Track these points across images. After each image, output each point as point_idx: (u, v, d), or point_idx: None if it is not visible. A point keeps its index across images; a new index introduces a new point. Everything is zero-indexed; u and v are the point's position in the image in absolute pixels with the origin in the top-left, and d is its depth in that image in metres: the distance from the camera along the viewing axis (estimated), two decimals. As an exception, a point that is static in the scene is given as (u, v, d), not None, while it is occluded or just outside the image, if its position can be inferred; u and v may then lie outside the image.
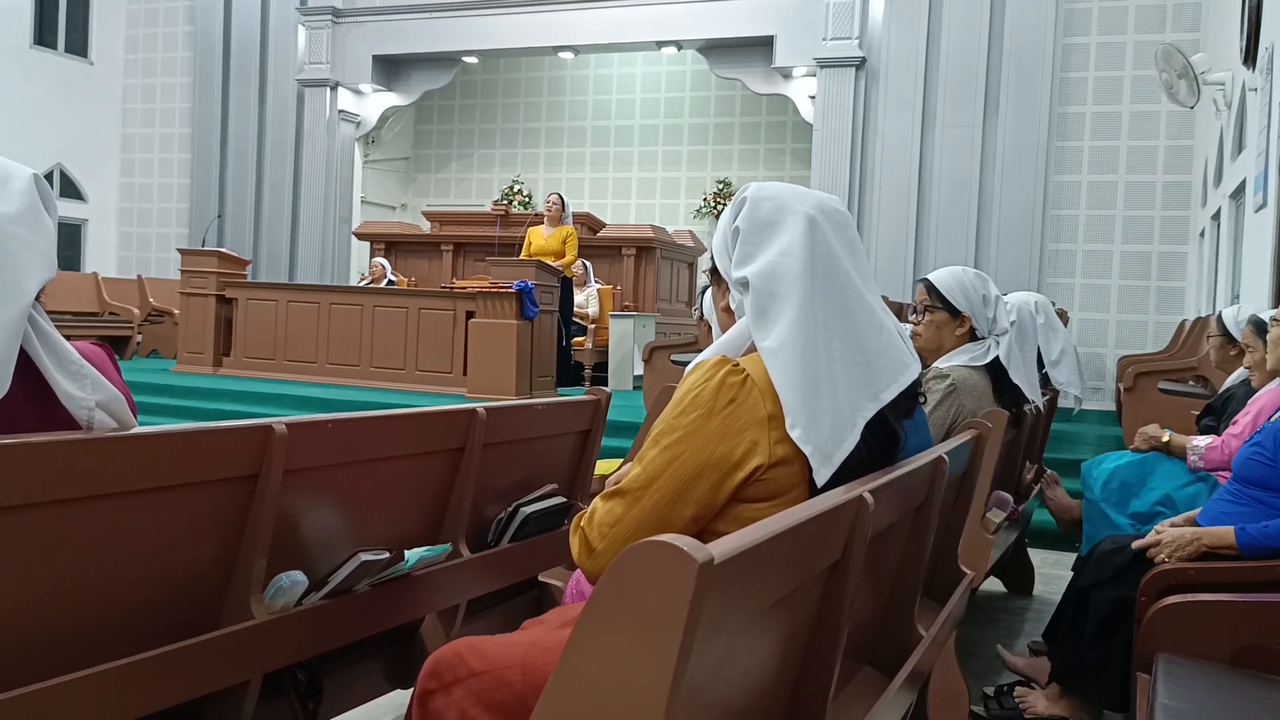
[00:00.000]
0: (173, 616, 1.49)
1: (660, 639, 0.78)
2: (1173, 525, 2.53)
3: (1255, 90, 5.66)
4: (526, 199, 14.99)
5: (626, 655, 0.79)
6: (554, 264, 8.33)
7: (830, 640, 1.22)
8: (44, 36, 12.89)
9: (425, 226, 11.81)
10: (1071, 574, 2.97)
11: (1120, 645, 2.47)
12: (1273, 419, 2.53)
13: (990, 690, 2.90)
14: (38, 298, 1.33)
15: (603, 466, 2.71)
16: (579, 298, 9.15)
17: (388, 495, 1.93)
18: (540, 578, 2.55)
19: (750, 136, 14.39)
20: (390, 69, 12.49)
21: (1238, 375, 3.54)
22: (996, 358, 2.83)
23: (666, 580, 0.77)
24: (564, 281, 8.42)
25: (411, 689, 1.53)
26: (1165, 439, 3.33)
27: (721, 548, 0.83)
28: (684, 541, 0.78)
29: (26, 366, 1.32)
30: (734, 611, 0.90)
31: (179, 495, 1.46)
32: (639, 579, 0.79)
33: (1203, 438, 3.25)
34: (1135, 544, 2.53)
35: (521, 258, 8.48)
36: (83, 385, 1.36)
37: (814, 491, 1.34)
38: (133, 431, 1.40)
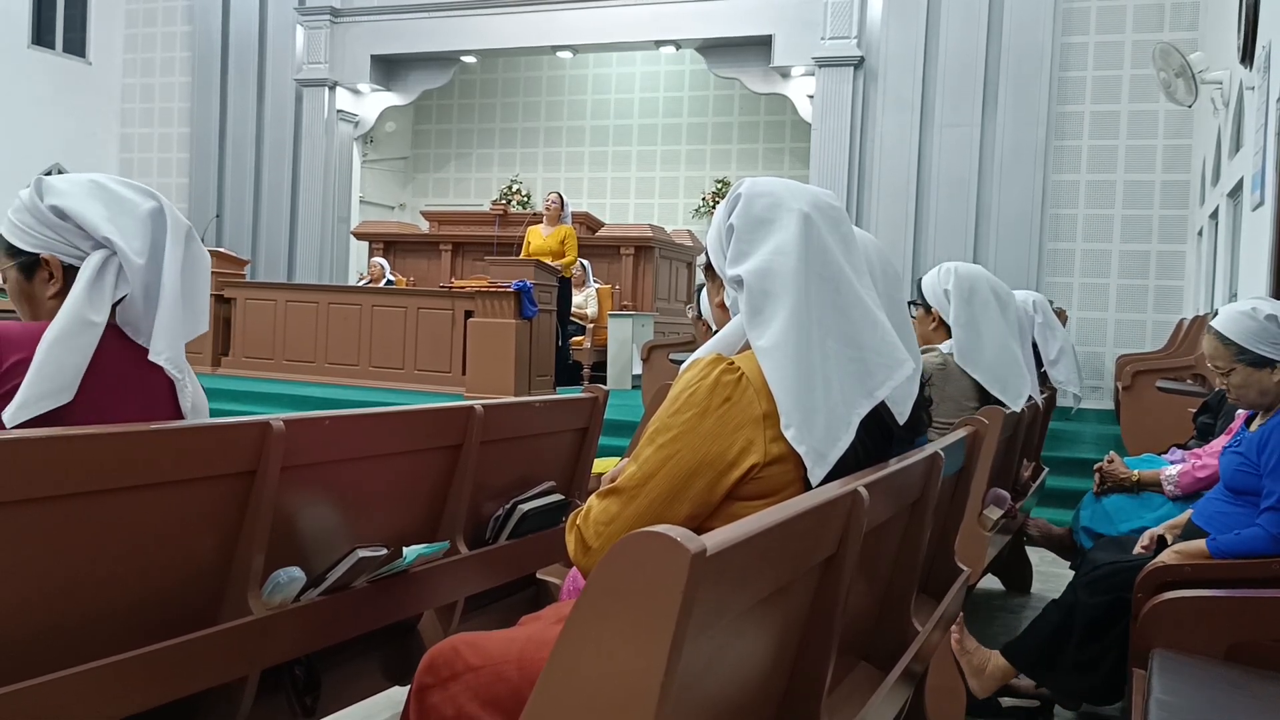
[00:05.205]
0: (170, 612, 1.49)
1: (652, 630, 0.78)
2: (1151, 536, 2.57)
3: (1252, 89, 5.66)
4: (525, 198, 14.98)
5: (619, 646, 0.79)
6: (553, 264, 8.32)
7: (825, 635, 1.23)
8: (42, 36, 12.86)
9: (424, 226, 11.81)
10: (1072, 573, 2.97)
11: (1113, 642, 2.48)
12: (1251, 428, 2.55)
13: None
14: None
15: (600, 465, 2.71)
16: (578, 298, 9.14)
17: (386, 492, 1.93)
18: (538, 575, 2.56)
19: (749, 136, 14.37)
20: (388, 69, 12.48)
21: (1236, 373, 3.53)
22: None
23: (659, 571, 0.77)
24: (561, 281, 8.42)
25: (409, 685, 1.53)
26: (1135, 477, 3.25)
27: (714, 539, 0.83)
28: (676, 532, 0.78)
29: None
30: (727, 604, 0.90)
31: (177, 491, 1.47)
32: (631, 570, 0.79)
33: (1174, 465, 3.21)
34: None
35: (520, 257, 8.48)
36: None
37: (809, 489, 1.34)
38: (130, 428, 1.41)
